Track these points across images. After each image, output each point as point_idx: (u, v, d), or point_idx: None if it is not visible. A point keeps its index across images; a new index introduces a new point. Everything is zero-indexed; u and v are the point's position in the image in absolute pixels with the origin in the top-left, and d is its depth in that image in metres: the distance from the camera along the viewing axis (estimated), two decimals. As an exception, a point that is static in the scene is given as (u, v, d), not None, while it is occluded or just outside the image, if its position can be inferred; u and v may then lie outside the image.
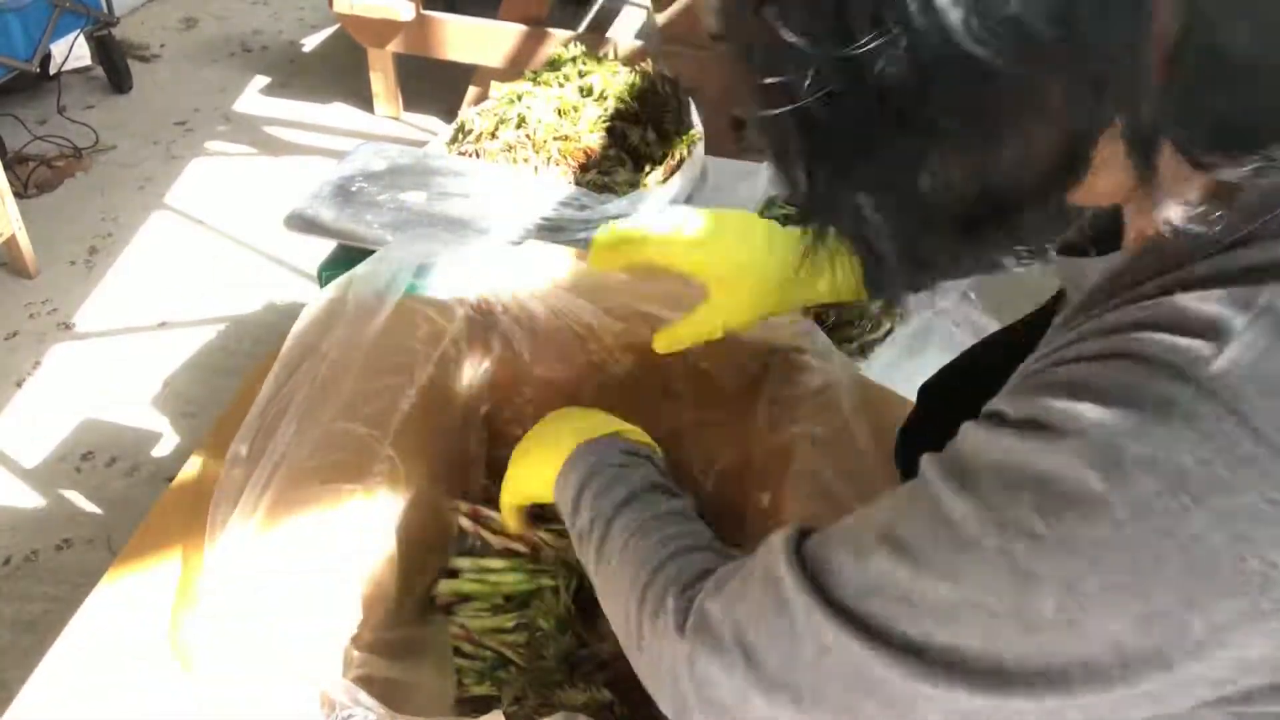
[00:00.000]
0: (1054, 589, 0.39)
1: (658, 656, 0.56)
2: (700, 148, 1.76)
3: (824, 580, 0.47)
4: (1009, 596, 0.40)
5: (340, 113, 3.52)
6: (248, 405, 0.97)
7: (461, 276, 1.09)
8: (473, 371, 1.12)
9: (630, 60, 1.94)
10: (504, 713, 0.96)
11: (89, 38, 3.34)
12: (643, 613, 0.59)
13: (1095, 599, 0.38)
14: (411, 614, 1.03)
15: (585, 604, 1.01)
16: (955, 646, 0.42)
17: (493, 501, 1.13)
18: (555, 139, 1.68)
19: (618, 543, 0.66)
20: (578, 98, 1.78)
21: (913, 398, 0.93)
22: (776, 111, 0.42)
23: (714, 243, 0.79)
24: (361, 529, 0.93)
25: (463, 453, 1.14)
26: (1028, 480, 0.40)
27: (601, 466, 0.74)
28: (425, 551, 1.05)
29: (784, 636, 0.48)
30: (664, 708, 0.57)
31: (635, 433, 0.81)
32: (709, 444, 1.11)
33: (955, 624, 0.42)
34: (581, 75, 1.82)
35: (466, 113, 1.80)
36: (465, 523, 1.11)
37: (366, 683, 0.83)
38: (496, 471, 1.20)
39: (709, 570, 0.58)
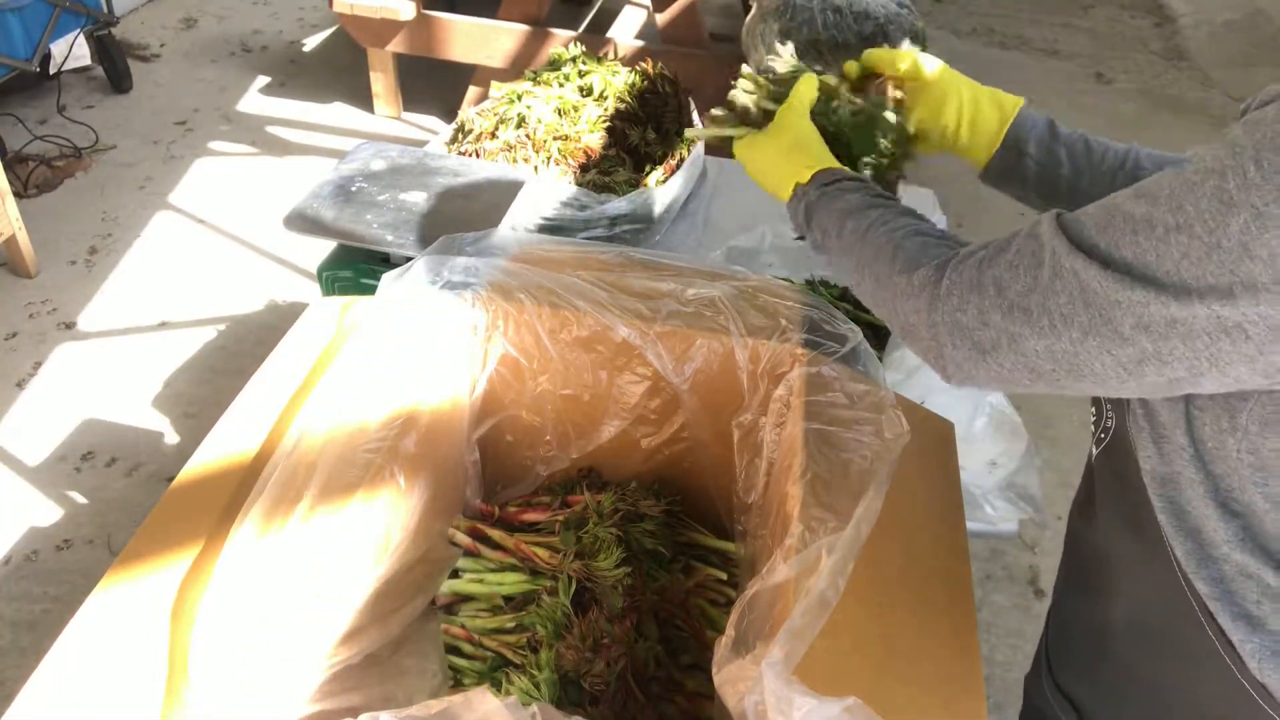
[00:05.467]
0: (1245, 212, 0.53)
1: (914, 300, 0.74)
2: (700, 148, 1.76)
3: (1073, 228, 0.64)
4: (1210, 218, 0.55)
5: (340, 113, 3.52)
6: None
7: (466, 280, 1.09)
8: (471, 393, 1.12)
9: (630, 60, 1.94)
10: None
11: (89, 38, 3.34)
12: (893, 275, 0.77)
13: (1272, 221, 0.52)
14: (409, 618, 1.03)
15: (584, 605, 1.01)
16: (1156, 264, 0.58)
17: (488, 519, 1.13)
18: (555, 139, 1.68)
19: (852, 237, 0.83)
20: (578, 98, 1.78)
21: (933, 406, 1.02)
22: None
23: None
24: (364, 546, 0.93)
25: (459, 473, 1.15)
26: (1264, 142, 0.54)
27: (815, 198, 0.90)
28: (426, 565, 1.05)
29: (1031, 270, 0.65)
30: (915, 343, 0.76)
31: (829, 164, 0.93)
32: (711, 447, 1.12)
33: (1163, 244, 0.57)
34: (581, 75, 1.82)
35: (466, 113, 1.80)
36: (462, 539, 1.11)
37: (364, 670, 0.83)
38: (490, 491, 1.21)
39: (953, 245, 0.76)
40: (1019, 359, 0.67)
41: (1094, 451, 0.85)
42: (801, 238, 0.98)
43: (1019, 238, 0.68)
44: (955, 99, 0.97)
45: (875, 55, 1.01)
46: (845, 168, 0.93)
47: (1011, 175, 0.98)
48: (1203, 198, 0.56)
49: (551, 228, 1.53)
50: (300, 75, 3.74)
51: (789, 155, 0.95)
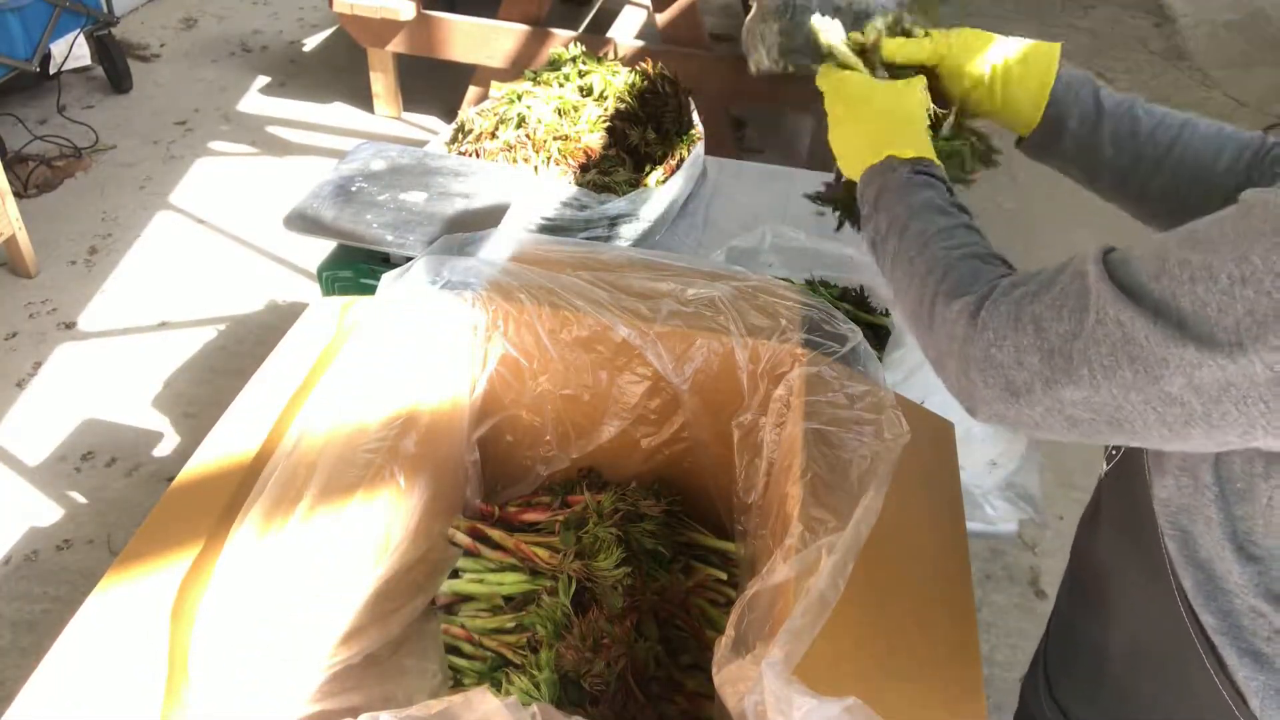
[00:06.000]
0: None
1: (950, 328, 0.70)
2: (700, 148, 1.76)
3: (1121, 270, 0.59)
4: (1274, 264, 0.51)
5: (340, 113, 3.52)
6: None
7: (465, 280, 1.09)
8: (471, 393, 1.12)
9: (630, 60, 1.94)
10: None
11: (89, 38, 3.34)
12: (937, 297, 0.72)
13: None
14: (409, 618, 1.03)
15: (584, 605, 1.01)
16: (1216, 319, 0.53)
17: (488, 519, 1.13)
18: (555, 139, 1.68)
19: (914, 242, 0.78)
20: (578, 98, 1.78)
21: (932, 406, 0.96)
22: None
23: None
24: (364, 546, 0.93)
25: (459, 473, 1.15)
26: None
27: (899, 180, 0.83)
28: (426, 565, 1.05)
29: (1076, 313, 0.60)
30: (945, 374, 0.72)
31: (930, 156, 0.87)
32: (711, 447, 1.12)
33: (1227, 298, 0.52)
34: (581, 75, 1.82)
35: (466, 113, 1.80)
36: (462, 539, 1.11)
37: (364, 670, 0.83)
38: (490, 491, 1.21)
39: (1001, 274, 0.71)
40: (1053, 406, 0.62)
41: (1104, 467, 0.82)
42: (839, 214, 0.91)
43: (1065, 274, 0.63)
44: (978, 67, 0.91)
45: (898, 47, 0.93)
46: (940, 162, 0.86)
47: (1051, 151, 0.92)
48: (1273, 250, 0.51)
49: (551, 228, 1.53)
50: (300, 75, 3.74)
51: (899, 121, 0.87)
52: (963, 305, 0.69)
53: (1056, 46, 0.91)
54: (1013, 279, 0.69)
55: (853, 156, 0.89)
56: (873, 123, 0.88)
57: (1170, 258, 0.56)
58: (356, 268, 1.47)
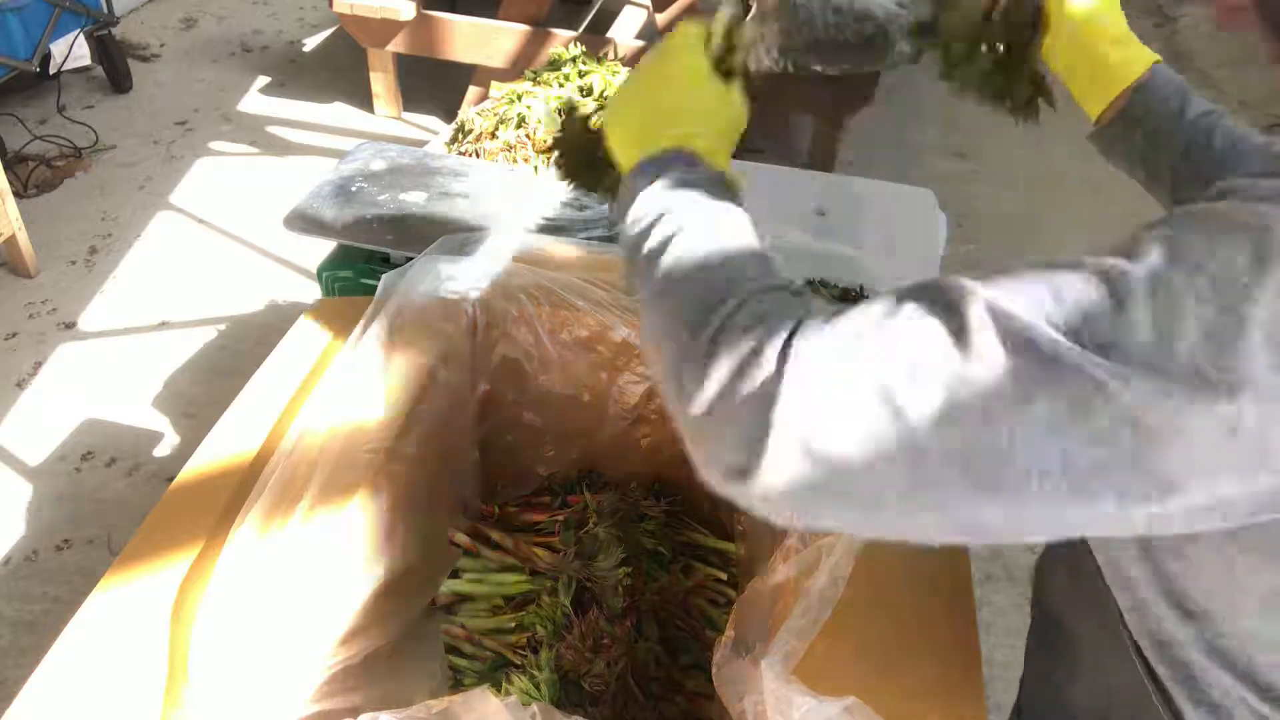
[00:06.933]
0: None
1: (736, 381, 0.50)
2: (700, 148, 1.76)
3: (1010, 306, 0.45)
4: (1244, 269, 0.42)
5: (340, 113, 3.52)
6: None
7: (467, 279, 1.09)
8: (471, 393, 1.12)
9: (630, 60, 1.94)
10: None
11: (89, 37, 3.34)
12: (720, 337, 0.52)
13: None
14: (409, 618, 1.03)
15: (584, 605, 1.01)
16: (1169, 350, 0.42)
17: (488, 519, 1.13)
18: (555, 139, 1.69)
19: (680, 262, 0.59)
20: (578, 98, 1.78)
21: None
22: None
23: None
24: (364, 546, 0.93)
25: (460, 473, 1.15)
26: None
27: (673, 179, 0.67)
28: (426, 565, 1.05)
29: (957, 356, 0.45)
30: (724, 452, 0.51)
31: (717, 159, 0.72)
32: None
33: (1176, 321, 0.42)
34: (581, 75, 1.82)
35: (466, 113, 1.80)
36: (462, 539, 1.11)
37: (364, 670, 0.83)
38: (490, 491, 1.21)
39: (809, 309, 0.53)
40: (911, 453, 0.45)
41: None
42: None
43: (924, 297, 0.48)
44: (1059, 43, 0.89)
45: None
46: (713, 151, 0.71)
47: (1116, 150, 0.89)
48: (1231, 243, 0.44)
49: (551, 228, 1.53)
50: (300, 75, 3.74)
51: (697, 115, 0.74)
52: (764, 343, 0.50)
53: (1146, 64, 0.88)
54: (837, 309, 0.52)
55: (632, 136, 0.74)
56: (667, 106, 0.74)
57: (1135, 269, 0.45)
58: (356, 268, 1.47)
